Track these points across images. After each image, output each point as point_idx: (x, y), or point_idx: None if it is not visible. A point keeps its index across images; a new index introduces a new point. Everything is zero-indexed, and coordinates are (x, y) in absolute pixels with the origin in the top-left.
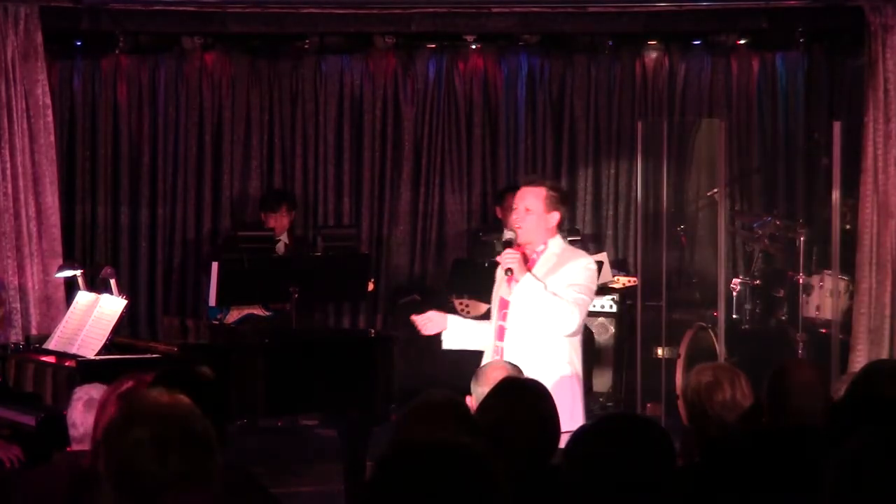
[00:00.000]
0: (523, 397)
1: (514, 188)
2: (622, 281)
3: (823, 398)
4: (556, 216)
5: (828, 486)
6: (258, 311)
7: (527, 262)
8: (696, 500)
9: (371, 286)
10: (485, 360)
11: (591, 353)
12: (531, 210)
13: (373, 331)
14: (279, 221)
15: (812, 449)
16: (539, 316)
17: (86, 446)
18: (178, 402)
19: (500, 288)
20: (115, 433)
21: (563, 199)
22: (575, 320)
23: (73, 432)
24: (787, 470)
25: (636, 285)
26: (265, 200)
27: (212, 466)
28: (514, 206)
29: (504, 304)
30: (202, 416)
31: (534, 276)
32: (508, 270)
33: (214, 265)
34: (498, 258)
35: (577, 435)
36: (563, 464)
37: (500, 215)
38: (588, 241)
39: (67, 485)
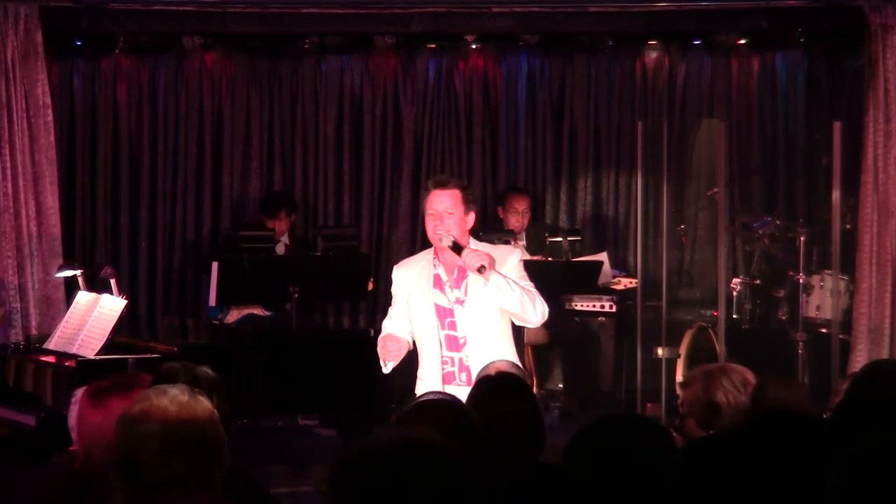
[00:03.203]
0: (498, 395)
1: (515, 189)
2: (623, 282)
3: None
4: (472, 216)
5: (833, 487)
6: (258, 311)
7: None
8: (698, 501)
9: (371, 286)
10: (428, 380)
11: (592, 353)
12: (453, 213)
13: (373, 331)
14: (279, 225)
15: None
16: (514, 310)
17: None
18: (197, 405)
19: (425, 296)
20: (128, 423)
21: (475, 199)
22: (546, 306)
23: (72, 435)
24: (792, 466)
25: (636, 287)
26: (264, 205)
27: (215, 474)
28: (431, 211)
29: (447, 313)
30: (218, 423)
31: (498, 273)
32: (482, 268)
33: (214, 265)
34: (462, 262)
35: (578, 435)
36: (564, 463)
37: (501, 215)
38: (588, 241)
39: (67, 485)
